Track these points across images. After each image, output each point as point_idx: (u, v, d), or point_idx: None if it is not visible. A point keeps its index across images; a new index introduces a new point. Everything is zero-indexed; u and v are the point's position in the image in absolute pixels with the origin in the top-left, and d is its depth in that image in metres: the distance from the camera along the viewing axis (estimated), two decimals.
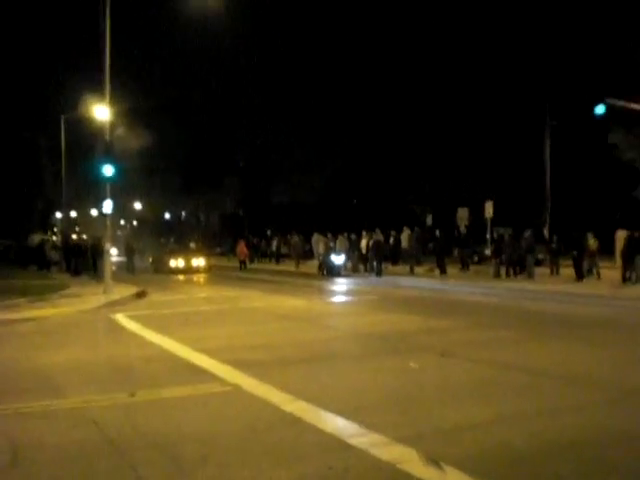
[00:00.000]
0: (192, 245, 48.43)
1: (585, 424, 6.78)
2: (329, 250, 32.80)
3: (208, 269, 39.61)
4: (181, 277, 36.09)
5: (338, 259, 31.95)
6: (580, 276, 25.04)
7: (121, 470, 5.80)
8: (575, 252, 25.55)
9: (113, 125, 25.18)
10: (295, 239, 42.77)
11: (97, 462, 6.02)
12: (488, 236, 34.88)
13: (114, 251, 42.76)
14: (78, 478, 5.74)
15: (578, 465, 5.68)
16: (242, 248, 43.13)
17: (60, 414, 7.64)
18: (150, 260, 43.93)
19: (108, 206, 22.81)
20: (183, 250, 43.39)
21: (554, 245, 28.82)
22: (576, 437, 6.36)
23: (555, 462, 5.75)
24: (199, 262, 39.78)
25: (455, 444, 6.22)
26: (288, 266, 42.06)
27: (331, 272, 31.45)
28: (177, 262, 39.27)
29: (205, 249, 47.97)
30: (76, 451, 6.31)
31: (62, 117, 42.14)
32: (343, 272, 31.88)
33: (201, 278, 35.14)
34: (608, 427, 6.66)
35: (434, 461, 5.69)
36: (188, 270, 38.33)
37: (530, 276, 26.63)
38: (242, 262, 42.43)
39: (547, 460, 5.80)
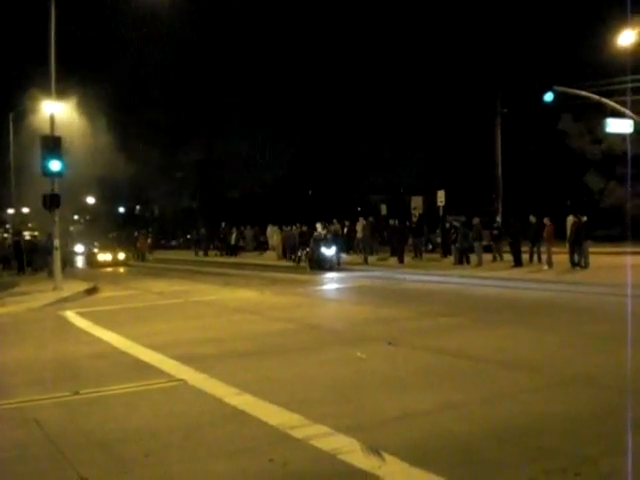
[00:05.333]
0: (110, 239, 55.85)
1: (526, 410, 6.87)
2: (319, 242, 29.74)
3: (126, 262, 45.56)
4: (116, 270, 39.48)
5: (329, 251, 29.40)
6: (518, 262, 25.48)
7: (62, 470, 5.72)
8: (510, 238, 26.16)
9: (58, 120, 24.73)
10: (280, 231, 40.75)
11: (38, 462, 5.96)
12: (447, 225, 34.95)
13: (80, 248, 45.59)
14: (18, 479, 5.67)
15: (518, 451, 5.75)
16: (142, 242, 52.69)
17: (1, 414, 7.54)
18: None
19: (51, 201, 22.48)
20: (109, 246, 49.29)
21: (495, 231, 29.15)
22: (517, 423, 6.44)
23: (496, 449, 5.82)
24: (121, 256, 45.93)
25: (397, 433, 6.28)
26: (244, 258, 42.03)
27: (322, 265, 28.90)
28: (105, 256, 44.95)
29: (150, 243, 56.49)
30: (17, 451, 6.24)
31: (10, 114, 41.45)
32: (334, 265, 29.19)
33: (151, 271, 34.98)
34: (548, 413, 6.74)
35: (375, 450, 5.73)
36: (114, 263, 43.85)
37: (479, 263, 26.93)
38: (142, 254, 50.80)
39: (488, 447, 5.87)
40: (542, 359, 9.29)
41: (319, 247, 29.62)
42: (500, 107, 41.19)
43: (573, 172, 44.86)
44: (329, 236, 30.72)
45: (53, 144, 22.32)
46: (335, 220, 37.14)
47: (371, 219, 37.12)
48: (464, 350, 9.99)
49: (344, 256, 32.68)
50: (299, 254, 33.45)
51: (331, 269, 28.60)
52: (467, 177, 50.92)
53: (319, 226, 32.13)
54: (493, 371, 8.68)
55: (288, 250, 36.49)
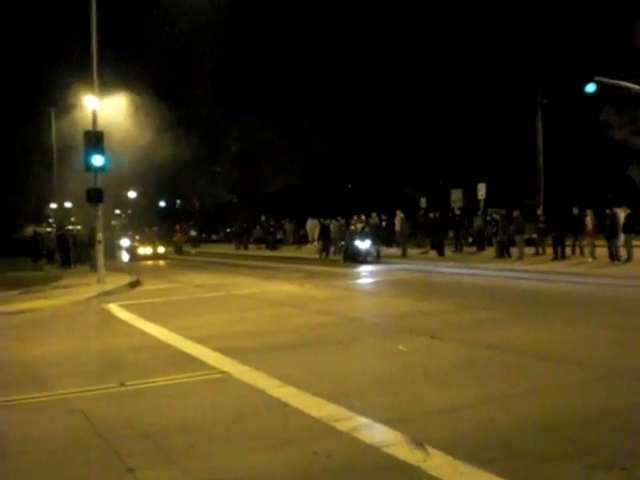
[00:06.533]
0: (152, 232, 55.80)
1: (569, 404, 6.81)
2: (352, 235, 30.52)
3: (166, 255, 46.02)
4: (160, 263, 40.95)
5: (363, 244, 29.54)
6: (560, 255, 25.19)
7: (109, 461, 5.81)
8: (554, 232, 25.86)
9: (101, 114, 24.99)
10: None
11: (85, 453, 6.05)
12: (488, 218, 34.65)
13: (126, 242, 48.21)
14: (66, 469, 5.74)
15: (562, 445, 5.70)
16: (180, 236, 53.78)
17: (48, 406, 7.67)
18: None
19: (95, 195, 22.77)
20: (150, 239, 49.48)
21: (540, 225, 28.82)
22: (559, 417, 6.40)
23: (539, 443, 5.79)
24: (161, 249, 46.28)
25: (441, 426, 6.27)
26: (284, 252, 42.17)
27: (356, 258, 29.19)
28: (145, 250, 45.40)
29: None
30: (64, 442, 6.34)
31: (52, 110, 42.11)
32: (369, 258, 29.28)
33: (192, 265, 35.29)
34: (591, 406, 6.69)
35: (419, 443, 5.72)
36: (153, 256, 44.43)
37: (520, 256, 26.65)
38: (179, 247, 51.64)
39: (532, 441, 5.83)
40: (584, 353, 9.20)
41: (353, 240, 29.92)
42: (541, 98, 40.74)
43: (615, 164, 44.15)
44: (367, 229, 30.82)
45: (96, 139, 22.60)
46: (374, 214, 37.03)
47: (421, 212, 37.34)
48: (505, 344, 9.92)
49: (384, 249, 32.59)
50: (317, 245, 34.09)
51: (365, 262, 28.69)
52: (508, 169, 50.34)
53: (355, 219, 32.12)
54: (534, 365, 8.61)
55: (336, 244, 35.69)
